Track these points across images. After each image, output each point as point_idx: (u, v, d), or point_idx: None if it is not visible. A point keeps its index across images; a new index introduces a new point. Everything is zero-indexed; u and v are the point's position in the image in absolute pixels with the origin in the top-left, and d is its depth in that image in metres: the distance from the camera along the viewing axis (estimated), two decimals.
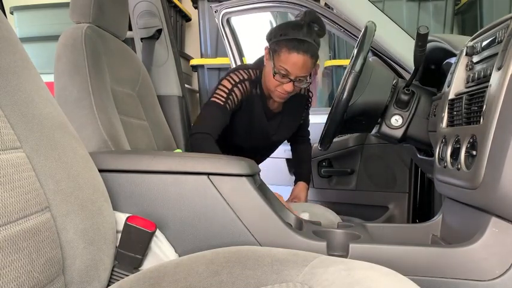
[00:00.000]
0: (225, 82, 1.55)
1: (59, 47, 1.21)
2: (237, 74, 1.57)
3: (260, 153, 1.77)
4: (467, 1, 2.89)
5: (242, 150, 1.68)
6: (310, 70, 1.46)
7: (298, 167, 1.83)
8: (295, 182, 1.77)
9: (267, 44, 1.51)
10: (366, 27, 1.16)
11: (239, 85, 1.55)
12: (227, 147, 1.64)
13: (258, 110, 1.59)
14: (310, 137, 1.86)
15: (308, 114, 1.78)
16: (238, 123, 1.62)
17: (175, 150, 1.48)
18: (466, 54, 0.95)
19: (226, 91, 1.54)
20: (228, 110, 1.53)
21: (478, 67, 0.89)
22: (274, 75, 1.46)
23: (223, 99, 1.53)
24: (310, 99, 1.73)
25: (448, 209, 0.99)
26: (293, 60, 1.41)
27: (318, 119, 2.08)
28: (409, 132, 1.19)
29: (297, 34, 1.41)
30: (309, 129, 1.85)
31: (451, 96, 0.96)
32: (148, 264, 0.83)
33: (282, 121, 1.66)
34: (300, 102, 1.67)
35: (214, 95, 1.53)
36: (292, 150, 1.87)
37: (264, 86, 1.56)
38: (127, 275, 0.76)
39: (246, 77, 1.57)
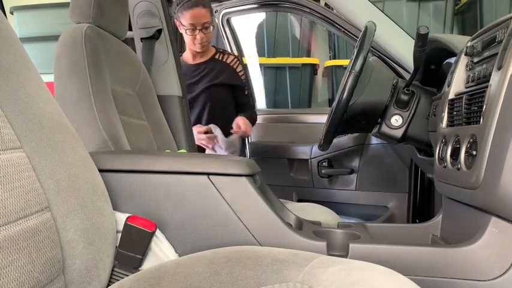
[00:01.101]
0: None
1: (59, 47, 1.21)
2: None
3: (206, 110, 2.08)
4: (467, 1, 2.89)
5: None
6: (209, 17, 1.91)
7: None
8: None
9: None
10: (366, 27, 1.16)
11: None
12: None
13: (185, 71, 1.98)
14: (256, 110, 2.30)
15: (245, 84, 2.14)
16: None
17: (180, 151, 1.50)
18: (466, 54, 0.95)
19: None
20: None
21: (478, 67, 0.89)
22: (187, 33, 1.93)
23: None
24: (236, 69, 2.10)
25: (448, 209, 0.99)
26: (191, 15, 1.88)
27: (318, 119, 2.09)
28: (409, 132, 1.19)
29: None
30: (255, 103, 2.38)
31: (451, 96, 0.96)
32: (148, 264, 0.83)
33: (209, 77, 2.04)
34: (224, 67, 2.08)
35: None
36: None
37: (188, 50, 2.06)
38: (127, 275, 0.76)
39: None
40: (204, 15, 1.90)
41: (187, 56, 2.09)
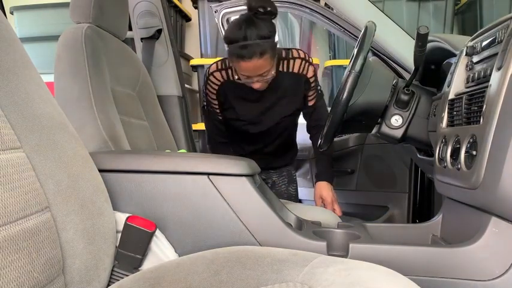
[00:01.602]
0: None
1: (59, 47, 1.21)
2: (206, 73, 1.64)
3: (266, 143, 1.71)
4: (467, 1, 2.89)
5: (251, 146, 1.71)
6: (268, 66, 1.42)
7: (316, 164, 1.70)
8: (315, 182, 1.65)
9: None
10: (366, 27, 1.16)
11: (208, 83, 1.61)
12: (240, 149, 1.72)
13: (238, 91, 1.59)
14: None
15: (317, 95, 1.67)
16: (229, 120, 1.67)
17: (180, 151, 1.50)
18: (466, 54, 0.95)
19: (204, 94, 1.65)
20: (214, 112, 1.65)
21: (478, 67, 0.89)
22: (240, 79, 1.48)
23: (205, 103, 1.66)
24: (310, 79, 1.62)
25: (448, 209, 0.99)
26: (244, 68, 1.41)
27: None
28: (409, 132, 1.19)
29: (237, 37, 1.38)
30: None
31: (451, 96, 0.96)
32: (148, 264, 0.83)
33: (274, 101, 1.61)
34: (294, 83, 1.61)
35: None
36: (311, 141, 1.75)
37: None
38: (127, 275, 0.76)
39: (212, 70, 1.60)
40: (260, 67, 1.40)
41: None
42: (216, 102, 1.62)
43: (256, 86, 1.47)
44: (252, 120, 1.63)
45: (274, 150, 1.73)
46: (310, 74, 1.61)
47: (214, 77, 1.58)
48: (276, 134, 1.69)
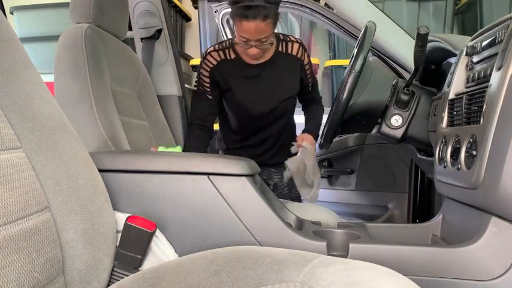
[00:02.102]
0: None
1: (59, 47, 1.21)
2: (203, 54, 1.64)
3: (263, 128, 1.70)
4: (467, 1, 2.89)
5: (252, 136, 1.70)
6: (269, 31, 1.43)
7: (305, 125, 1.74)
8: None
9: None
10: (366, 27, 1.16)
11: (203, 62, 1.61)
12: (235, 139, 1.71)
13: (236, 70, 1.60)
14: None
15: (310, 76, 1.69)
16: (229, 103, 1.65)
17: (176, 147, 1.47)
18: (466, 54, 0.95)
19: (197, 73, 1.63)
20: (202, 91, 1.62)
21: (478, 67, 0.89)
22: (237, 44, 1.50)
23: (196, 83, 1.64)
24: (305, 65, 1.65)
25: (448, 209, 0.99)
26: (245, 28, 1.41)
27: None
28: (409, 132, 1.19)
29: None
30: (320, 94, 1.81)
31: (451, 96, 0.96)
32: (148, 264, 0.83)
33: (272, 81, 1.62)
34: (292, 65, 1.63)
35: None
36: (304, 114, 1.79)
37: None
38: (127, 275, 0.76)
39: (209, 50, 1.62)
40: (261, 31, 1.41)
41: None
42: (207, 81, 1.62)
43: (253, 51, 1.48)
44: (251, 101, 1.62)
45: (273, 142, 1.73)
46: (306, 60, 1.65)
47: (212, 56, 1.60)
48: (274, 118, 1.68)
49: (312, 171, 1.50)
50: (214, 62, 1.59)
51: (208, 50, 1.62)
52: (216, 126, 1.84)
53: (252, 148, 1.71)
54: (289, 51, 1.62)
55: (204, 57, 1.62)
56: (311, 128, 1.71)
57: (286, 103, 1.65)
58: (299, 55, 1.63)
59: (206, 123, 1.64)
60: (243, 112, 1.65)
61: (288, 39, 1.63)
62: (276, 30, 1.50)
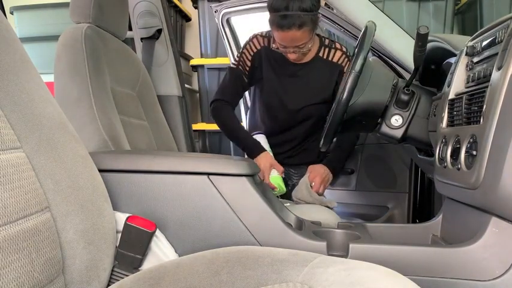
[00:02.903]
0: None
1: (59, 47, 1.21)
2: (251, 36, 1.64)
3: (288, 128, 1.68)
4: (467, 1, 2.89)
5: (271, 129, 1.68)
6: (305, 38, 1.44)
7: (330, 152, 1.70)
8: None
9: None
10: (366, 27, 1.16)
11: (249, 43, 1.62)
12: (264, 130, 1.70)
13: (273, 63, 1.59)
14: None
15: None
16: (258, 94, 1.64)
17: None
18: (466, 54, 0.95)
19: (238, 54, 1.63)
20: (240, 71, 1.62)
21: (478, 67, 0.89)
22: (277, 48, 1.51)
23: (236, 62, 1.64)
24: (343, 66, 1.61)
25: (448, 209, 0.99)
26: (281, 37, 1.43)
27: None
28: (409, 132, 1.19)
29: (279, 7, 1.40)
30: None
31: (451, 96, 0.96)
32: (148, 264, 0.83)
33: (303, 84, 1.61)
34: (329, 72, 1.61)
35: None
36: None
37: None
38: (127, 275, 0.76)
39: (256, 33, 1.63)
40: (297, 39, 1.43)
41: None
42: (249, 64, 1.61)
43: (292, 57, 1.50)
44: (278, 98, 1.62)
45: (296, 143, 1.70)
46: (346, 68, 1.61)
47: (257, 39, 1.61)
48: (300, 121, 1.66)
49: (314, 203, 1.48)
50: (258, 47, 1.60)
51: (256, 33, 1.63)
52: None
53: (274, 146, 1.70)
54: (330, 58, 1.60)
55: (250, 39, 1.62)
56: (330, 159, 1.66)
57: (313, 108, 1.64)
58: (340, 62, 1.61)
59: (232, 105, 1.64)
60: (268, 105, 1.65)
61: (333, 46, 1.62)
62: (320, 6, 1.49)
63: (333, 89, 1.63)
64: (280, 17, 1.38)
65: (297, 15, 1.38)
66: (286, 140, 1.70)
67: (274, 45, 1.56)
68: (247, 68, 1.62)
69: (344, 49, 1.63)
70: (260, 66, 1.60)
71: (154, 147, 1.47)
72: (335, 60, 1.60)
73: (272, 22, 1.42)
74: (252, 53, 1.60)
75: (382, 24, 1.41)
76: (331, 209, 1.45)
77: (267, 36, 1.61)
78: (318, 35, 1.61)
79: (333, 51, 1.61)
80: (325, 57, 1.60)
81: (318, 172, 1.59)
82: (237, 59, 1.65)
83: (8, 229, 0.55)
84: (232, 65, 1.66)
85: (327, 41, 1.62)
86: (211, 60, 2.98)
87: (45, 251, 0.61)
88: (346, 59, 1.62)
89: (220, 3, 2.26)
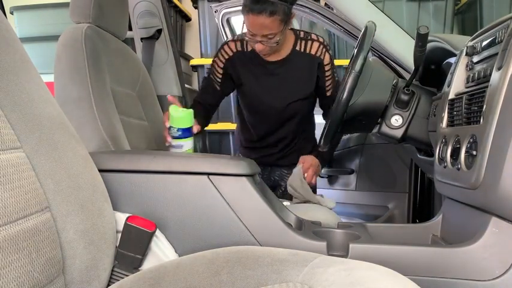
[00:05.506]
0: None
1: (59, 47, 1.21)
2: (222, 43, 1.63)
3: (276, 128, 1.68)
4: (467, 1, 2.89)
5: (259, 132, 1.68)
6: (275, 29, 1.39)
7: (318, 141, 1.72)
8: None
9: None
10: (366, 27, 1.16)
11: (220, 51, 1.60)
12: (247, 137, 1.71)
13: (249, 65, 1.58)
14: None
15: (331, 78, 1.61)
16: (241, 98, 1.64)
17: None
18: (466, 54, 0.95)
19: (212, 62, 1.62)
20: (213, 80, 1.61)
21: (478, 67, 0.89)
22: (246, 36, 1.47)
23: (208, 70, 1.64)
24: (325, 66, 1.58)
25: (448, 209, 0.99)
26: (250, 22, 1.39)
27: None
28: (409, 132, 1.19)
29: None
30: None
31: (451, 96, 0.96)
32: (148, 264, 0.83)
33: (284, 80, 1.59)
34: (308, 65, 1.58)
35: None
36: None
37: None
38: (127, 275, 0.76)
39: (228, 40, 1.61)
40: (266, 27, 1.37)
41: None
42: (220, 72, 1.59)
43: (259, 47, 1.45)
44: (260, 99, 1.60)
45: (286, 143, 1.70)
46: (326, 60, 1.58)
47: (229, 46, 1.59)
48: (286, 119, 1.65)
49: (306, 195, 1.47)
50: (230, 53, 1.58)
51: (227, 40, 1.61)
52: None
53: (265, 148, 1.70)
54: (307, 51, 1.56)
55: (221, 47, 1.60)
56: (321, 152, 1.64)
57: (298, 104, 1.62)
58: (318, 54, 1.57)
59: (207, 112, 1.62)
60: (253, 109, 1.64)
61: (309, 37, 1.58)
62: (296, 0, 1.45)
63: (315, 84, 1.61)
64: (253, 1, 1.36)
65: (270, 2, 1.35)
66: (276, 140, 1.69)
67: (250, 47, 1.54)
68: (219, 76, 1.60)
69: (321, 39, 1.59)
70: (236, 72, 1.58)
71: (154, 147, 1.47)
72: (313, 52, 1.56)
73: (244, 6, 1.39)
74: (223, 60, 1.58)
75: (382, 24, 1.41)
76: (331, 209, 1.45)
77: (239, 40, 1.58)
78: (292, 29, 1.58)
79: (309, 42, 1.56)
80: (302, 50, 1.56)
81: (310, 163, 1.59)
82: (209, 67, 1.64)
83: (8, 229, 0.55)
84: (206, 75, 1.66)
85: (301, 34, 1.58)
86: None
87: (45, 251, 0.61)
88: (324, 50, 1.57)
89: (220, 3, 2.26)
